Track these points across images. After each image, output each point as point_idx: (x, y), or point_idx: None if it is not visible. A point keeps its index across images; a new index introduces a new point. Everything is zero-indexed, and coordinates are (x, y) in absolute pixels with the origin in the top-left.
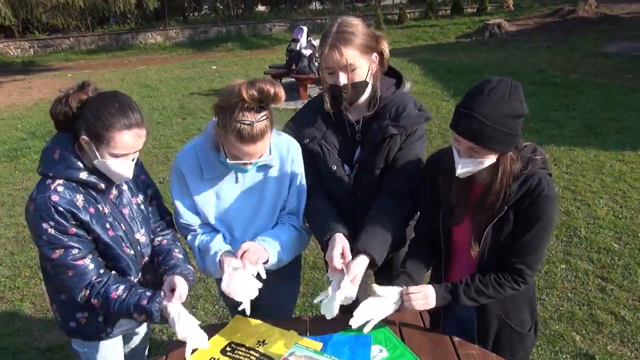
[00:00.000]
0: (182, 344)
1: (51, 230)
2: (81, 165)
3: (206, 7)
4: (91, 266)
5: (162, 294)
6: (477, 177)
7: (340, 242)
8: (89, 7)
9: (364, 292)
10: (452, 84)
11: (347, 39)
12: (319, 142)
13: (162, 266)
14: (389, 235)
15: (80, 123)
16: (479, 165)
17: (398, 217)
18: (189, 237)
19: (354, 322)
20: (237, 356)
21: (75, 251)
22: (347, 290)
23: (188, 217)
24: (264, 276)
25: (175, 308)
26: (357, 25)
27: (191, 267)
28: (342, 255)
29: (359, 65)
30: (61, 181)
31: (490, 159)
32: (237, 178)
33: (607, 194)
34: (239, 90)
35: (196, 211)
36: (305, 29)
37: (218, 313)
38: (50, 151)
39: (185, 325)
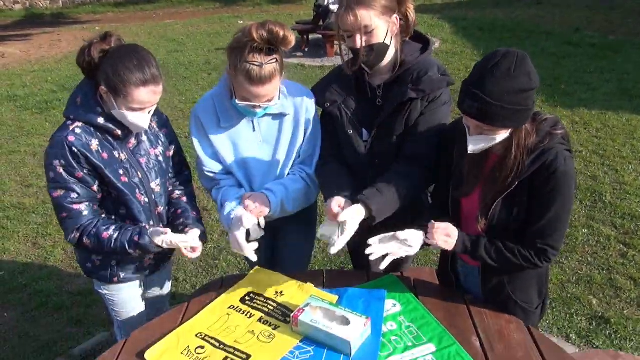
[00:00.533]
0: (203, 293)
1: (60, 169)
2: (100, 110)
3: None
4: (85, 212)
5: (147, 225)
6: (491, 149)
7: (339, 200)
8: None
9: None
10: (482, 43)
11: (362, 0)
12: (338, 106)
13: (177, 220)
14: (395, 195)
15: (101, 74)
16: (490, 141)
17: (410, 182)
18: (213, 192)
19: (371, 251)
20: (255, 305)
21: (74, 195)
22: (326, 229)
23: (210, 164)
24: (262, 225)
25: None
26: None
27: (203, 228)
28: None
29: (376, 26)
30: (80, 124)
31: (502, 134)
32: (254, 127)
33: (636, 160)
34: (249, 30)
35: (217, 159)
36: None
37: (240, 265)
38: (74, 96)
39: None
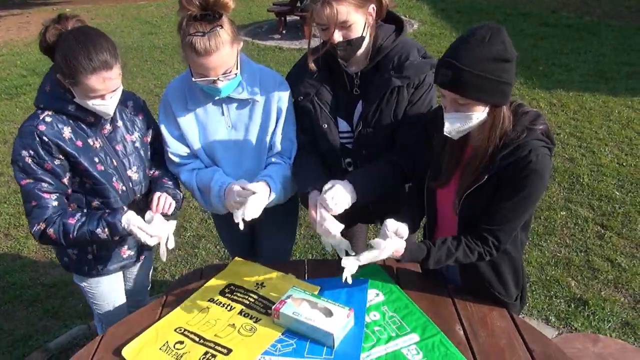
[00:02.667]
0: (182, 284)
1: (28, 159)
2: (70, 97)
3: None
4: (54, 203)
5: (124, 208)
6: (470, 139)
7: (314, 199)
8: None
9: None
10: (461, 25)
11: None
12: (311, 99)
13: (151, 193)
14: (378, 177)
15: (56, 61)
16: (466, 120)
17: (397, 168)
18: (181, 176)
19: (346, 274)
20: (235, 297)
21: (45, 184)
22: (330, 242)
23: (175, 146)
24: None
25: (138, 218)
26: None
27: (179, 192)
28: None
29: (354, 20)
30: (50, 112)
31: (478, 113)
32: (222, 111)
33: (613, 142)
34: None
35: (184, 142)
36: None
37: (219, 254)
38: (43, 83)
39: (156, 225)
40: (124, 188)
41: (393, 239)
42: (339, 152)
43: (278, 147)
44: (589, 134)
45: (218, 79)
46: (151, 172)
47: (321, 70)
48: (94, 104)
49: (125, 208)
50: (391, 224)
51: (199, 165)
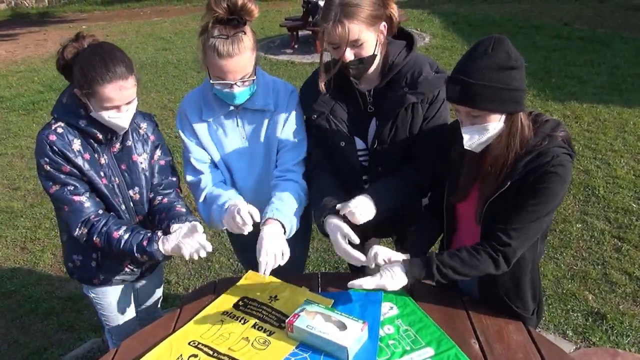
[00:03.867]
0: (196, 297)
1: (47, 167)
2: (83, 113)
3: None
4: (87, 204)
5: (159, 233)
6: (489, 150)
7: (341, 229)
8: None
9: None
10: (473, 38)
11: (352, 12)
12: (326, 117)
13: (165, 221)
14: (398, 193)
15: (73, 76)
16: (483, 132)
17: (413, 183)
18: (202, 190)
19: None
20: (249, 311)
21: (71, 187)
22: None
23: (198, 153)
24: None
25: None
26: None
27: (197, 218)
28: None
29: (366, 39)
30: (62, 124)
31: (494, 123)
32: (237, 122)
33: (628, 153)
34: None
35: (205, 149)
36: None
37: (233, 267)
38: (62, 95)
39: (191, 240)
40: (123, 207)
41: (387, 267)
42: (358, 169)
43: (289, 160)
44: (604, 146)
45: (235, 83)
46: (156, 197)
47: (333, 88)
48: (109, 116)
49: (160, 234)
50: (382, 253)
51: (216, 180)
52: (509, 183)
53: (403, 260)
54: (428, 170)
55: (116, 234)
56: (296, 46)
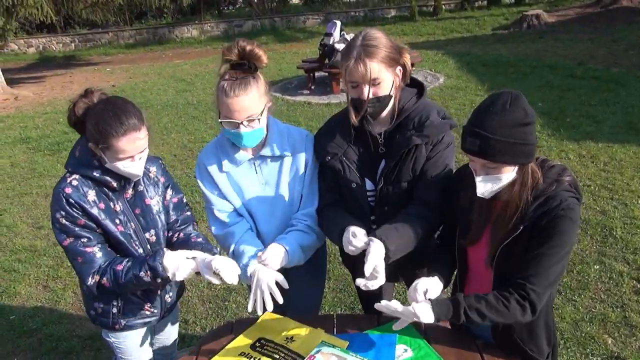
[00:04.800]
0: (214, 338)
1: (62, 220)
2: (96, 164)
3: (240, 0)
4: (99, 254)
5: (164, 250)
6: (499, 195)
7: (352, 229)
8: (127, 3)
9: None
10: (487, 78)
11: (372, 52)
12: (339, 159)
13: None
14: (412, 236)
15: (87, 131)
16: (497, 181)
17: (423, 223)
18: (226, 240)
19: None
20: (266, 352)
21: (84, 239)
22: (368, 281)
23: (221, 204)
24: (286, 287)
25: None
26: (380, 38)
27: (213, 246)
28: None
29: (384, 78)
30: (77, 176)
31: (507, 174)
32: (255, 169)
33: None
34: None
35: (227, 200)
36: (338, 23)
37: None
38: (74, 149)
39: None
40: (141, 250)
41: (419, 303)
42: (367, 210)
43: (303, 205)
44: (621, 186)
45: (242, 123)
46: (174, 235)
47: (347, 131)
48: (124, 166)
49: (165, 250)
50: (422, 285)
51: (244, 229)
52: (521, 228)
53: (431, 299)
54: (435, 209)
55: (119, 266)
56: (313, 87)
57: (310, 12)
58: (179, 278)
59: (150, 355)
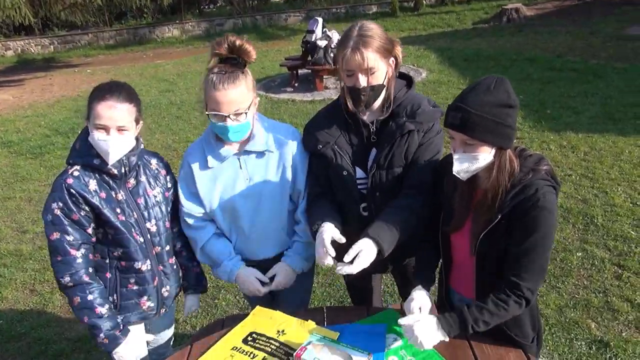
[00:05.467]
0: (205, 334)
1: (57, 211)
2: (95, 152)
3: None
4: (79, 260)
5: (124, 338)
6: (479, 183)
7: (329, 231)
8: (106, 3)
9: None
10: (468, 72)
11: (368, 42)
12: (331, 147)
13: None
14: (399, 227)
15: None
16: (473, 161)
17: (414, 213)
18: (197, 244)
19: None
20: (258, 345)
21: (70, 238)
22: (346, 268)
23: (189, 207)
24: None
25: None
26: (376, 29)
27: (204, 283)
28: (333, 242)
29: (379, 68)
30: (78, 167)
31: (485, 154)
32: (240, 164)
33: (625, 181)
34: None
35: (200, 203)
36: (320, 20)
37: (239, 304)
38: (74, 143)
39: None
40: (142, 240)
41: (423, 319)
42: (357, 198)
43: (301, 190)
44: (601, 175)
45: (229, 116)
46: (174, 225)
47: (339, 121)
48: (98, 138)
49: (124, 340)
50: (416, 302)
51: (212, 231)
52: (499, 216)
53: (437, 317)
54: (419, 194)
55: (97, 310)
56: (296, 85)
57: (291, 9)
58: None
59: (146, 353)
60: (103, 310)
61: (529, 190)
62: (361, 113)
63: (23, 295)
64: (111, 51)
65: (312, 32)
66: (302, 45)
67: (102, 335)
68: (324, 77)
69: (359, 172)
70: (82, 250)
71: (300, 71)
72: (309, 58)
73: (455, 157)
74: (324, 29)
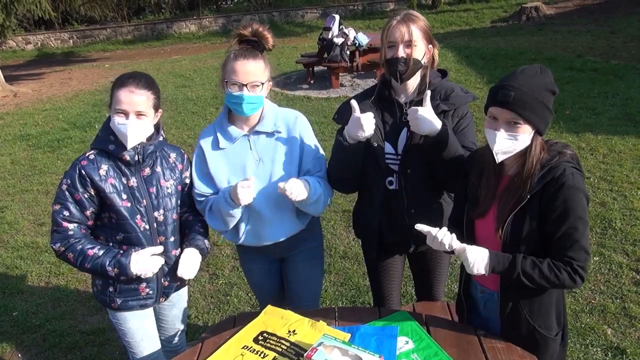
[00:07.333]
0: (216, 332)
1: (64, 186)
2: (112, 139)
3: None
4: (71, 232)
5: (136, 249)
6: (506, 169)
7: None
8: None
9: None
10: (485, 71)
11: (414, 19)
12: None
13: (184, 240)
14: (458, 146)
15: None
16: (514, 142)
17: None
18: (205, 209)
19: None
20: (268, 345)
21: (66, 212)
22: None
23: (201, 187)
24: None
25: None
26: (422, 16)
27: (206, 241)
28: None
29: (419, 44)
30: (95, 151)
31: (525, 134)
32: (250, 145)
33: None
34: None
35: (211, 183)
36: (337, 17)
37: (251, 301)
38: (99, 130)
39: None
40: (147, 227)
41: (475, 247)
42: (385, 171)
43: (310, 169)
44: (620, 178)
45: (246, 85)
46: (184, 215)
47: (372, 100)
48: (118, 122)
49: (135, 250)
50: (442, 231)
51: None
52: (528, 196)
53: (489, 250)
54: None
55: (91, 251)
56: (312, 82)
57: (308, 6)
58: (147, 275)
59: (158, 345)
60: (95, 250)
61: (556, 171)
62: (395, 93)
63: (38, 288)
64: (129, 46)
65: (329, 29)
66: (318, 42)
67: (109, 268)
68: (340, 74)
69: (388, 147)
70: (75, 225)
71: (316, 68)
72: (325, 55)
73: (498, 135)
74: (341, 26)
